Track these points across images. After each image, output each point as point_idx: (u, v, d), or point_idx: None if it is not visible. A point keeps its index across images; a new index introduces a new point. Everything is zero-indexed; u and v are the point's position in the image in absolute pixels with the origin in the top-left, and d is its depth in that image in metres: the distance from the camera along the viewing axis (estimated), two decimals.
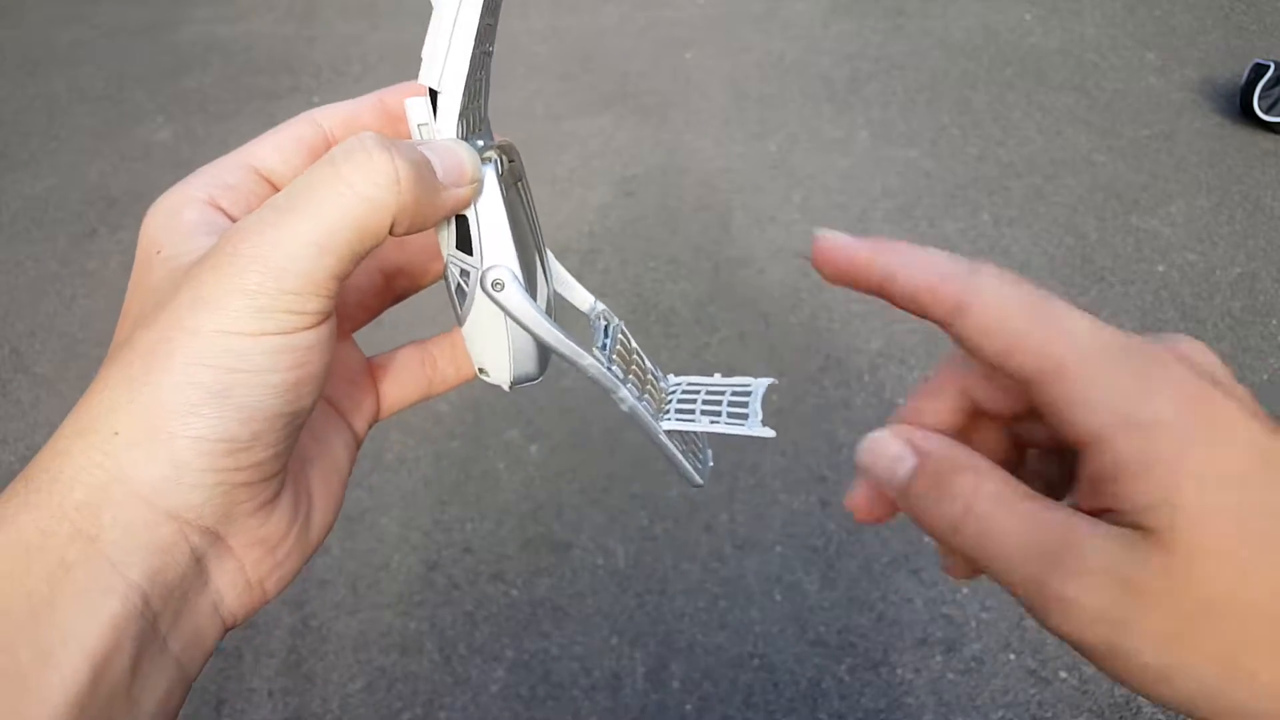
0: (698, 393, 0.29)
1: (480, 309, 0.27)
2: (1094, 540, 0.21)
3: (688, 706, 1.11)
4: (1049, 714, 1.09)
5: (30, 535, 0.20)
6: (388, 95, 0.28)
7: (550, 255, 0.30)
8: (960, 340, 0.24)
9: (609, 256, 1.77)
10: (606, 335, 0.29)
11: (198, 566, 0.22)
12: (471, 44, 0.24)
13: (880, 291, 0.25)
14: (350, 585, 1.26)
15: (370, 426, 0.30)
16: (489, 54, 0.26)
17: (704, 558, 1.26)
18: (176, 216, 0.25)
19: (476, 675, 1.15)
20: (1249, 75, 2.01)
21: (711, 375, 0.30)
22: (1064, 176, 1.94)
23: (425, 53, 0.24)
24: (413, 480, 1.39)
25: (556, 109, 2.23)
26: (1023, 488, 0.23)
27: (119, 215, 1.95)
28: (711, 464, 0.31)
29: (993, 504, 0.23)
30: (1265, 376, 1.49)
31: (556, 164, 2.04)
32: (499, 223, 0.26)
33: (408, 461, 1.41)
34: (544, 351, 0.28)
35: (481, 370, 0.29)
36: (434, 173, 0.23)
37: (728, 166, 2.01)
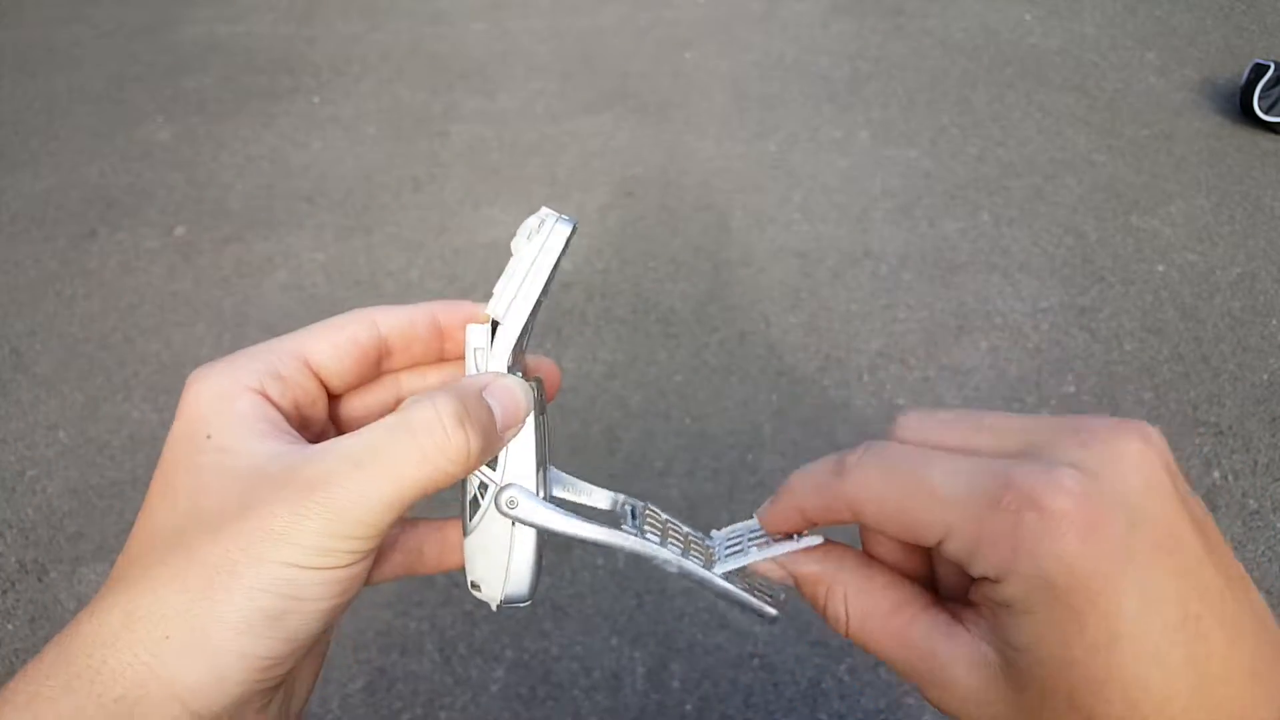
0: (742, 535, 0.30)
1: (489, 524, 0.27)
2: (953, 668, 0.24)
3: (688, 706, 1.11)
4: None
5: None
6: (441, 313, 0.29)
7: (553, 469, 0.31)
8: (872, 529, 0.26)
9: (609, 256, 1.77)
10: (634, 517, 0.30)
11: None
12: (540, 291, 0.26)
13: (812, 524, 0.27)
14: None
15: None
16: (542, 302, 0.28)
17: None
18: (228, 403, 0.26)
19: (476, 675, 1.15)
20: (1249, 75, 2.01)
21: (751, 517, 0.30)
22: (1064, 176, 1.94)
23: (497, 289, 0.26)
24: None
25: (556, 109, 2.23)
26: (888, 598, 0.26)
27: (119, 215, 1.95)
28: (784, 596, 0.30)
29: (863, 624, 0.26)
30: (1265, 377, 1.49)
31: (556, 164, 2.04)
32: (528, 446, 0.27)
33: None
34: (537, 577, 0.29)
35: (474, 585, 0.29)
36: (495, 424, 0.26)
37: (728, 166, 2.01)
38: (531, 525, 0.27)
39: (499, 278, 0.27)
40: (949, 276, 1.70)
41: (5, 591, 1.27)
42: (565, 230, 0.26)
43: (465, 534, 0.28)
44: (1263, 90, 1.97)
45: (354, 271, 1.78)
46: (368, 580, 0.31)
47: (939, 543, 0.23)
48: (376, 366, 0.29)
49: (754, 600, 0.29)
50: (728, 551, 0.29)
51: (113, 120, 2.26)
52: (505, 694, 1.13)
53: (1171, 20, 2.47)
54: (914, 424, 0.26)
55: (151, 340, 1.65)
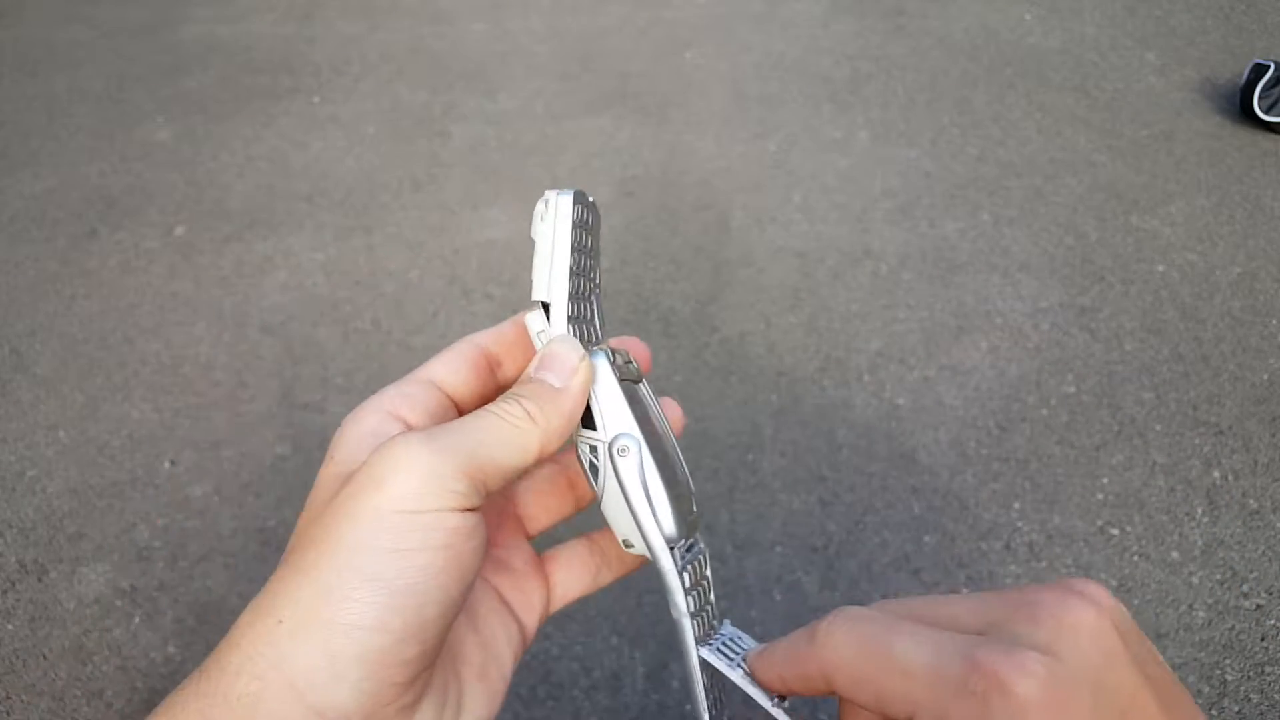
0: (742, 651, 0.30)
1: (614, 481, 0.29)
2: None
3: (688, 707, 1.11)
4: None
5: None
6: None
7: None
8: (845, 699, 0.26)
9: (609, 256, 1.77)
10: (688, 550, 0.30)
11: None
12: (567, 262, 0.28)
13: (794, 692, 0.28)
14: None
15: (541, 622, 0.32)
16: (596, 285, 0.30)
17: None
18: (355, 428, 0.28)
19: None
20: (1249, 75, 2.01)
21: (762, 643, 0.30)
22: (1064, 176, 1.94)
23: (534, 275, 0.28)
24: None
25: (556, 109, 2.23)
26: None
27: (119, 215, 1.95)
28: None
29: None
30: (1265, 377, 1.49)
31: (556, 164, 2.04)
32: (615, 396, 0.28)
33: None
34: (682, 511, 0.29)
35: (625, 543, 0.30)
36: (550, 386, 0.27)
37: (728, 166, 2.01)
38: (618, 481, 0.28)
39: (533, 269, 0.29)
40: (949, 276, 1.70)
41: (5, 591, 1.27)
42: (567, 200, 0.28)
43: (599, 502, 0.29)
44: (1263, 90, 1.97)
45: (354, 271, 1.78)
46: (554, 604, 0.33)
47: (908, 718, 0.23)
48: (492, 375, 0.31)
49: (703, 701, 0.29)
50: (722, 647, 0.30)
51: (113, 120, 2.26)
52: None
53: (1171, 20, 2.47)
54: (881, 604, 0.27)
55: (151, 340, 1.65)
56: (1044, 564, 1.24)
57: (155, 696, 1.15)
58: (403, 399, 0.29)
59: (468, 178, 2.01)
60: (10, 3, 2.84)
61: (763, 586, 1.22)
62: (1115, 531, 1.28)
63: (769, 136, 2.10)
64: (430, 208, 1.93)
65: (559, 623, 1.19)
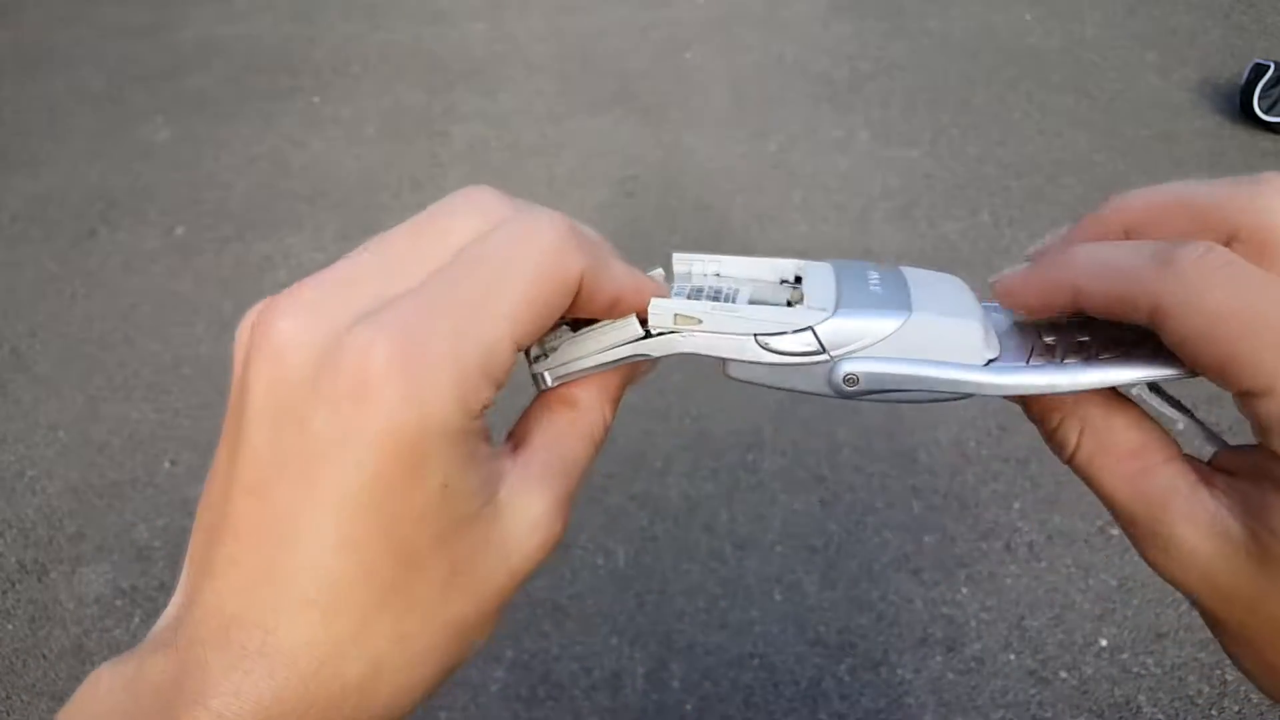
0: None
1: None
2: (1186, 530, 0.21)
3: (688, 706, 1.11)
4: (1049, 714, 1.09)
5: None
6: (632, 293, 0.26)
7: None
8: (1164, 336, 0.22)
9: None
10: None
11: None
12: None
13: (1075, 310, 0.23)
14: None
15: None
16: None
17: (704, 558, 1.26)
18: (459, 447, 0.20)
19: (476, 675, 1.15)
20: (1249, 75, 2.01)
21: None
22: (1064, 176, 1.94)
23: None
24: None
25: (556, 109, 2.23)
26: (1128, 439, 0.23)
27: (119, 215, 1.95)
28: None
29: (1091, 459, 0.23)
30: None
31: (556, 164, 2.04)
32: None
33: None
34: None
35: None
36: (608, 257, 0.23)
37: (728, 166, 2.01)
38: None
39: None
40: None
41: (5, 592, 1.27)
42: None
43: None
44: (1263, 90, 1.97)
45: None
46: None
47: (1150, 309, 0.20)
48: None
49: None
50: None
51: (113, 120, 2.26)
52: (505, 694, 1.13)
53: (1171, 20, 2.47)
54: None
55: (151, 340, 1.65)
56: (1044, 564, 1.24)
57: None
58: (491, 390, 0.20)
59: (468, 178, 2.01)
60: (10, 3, 2.84)
61: (763, 587, 1.22)
62: (1115, 531, 1.28)
63: (769, 136, 2.10)
64: None
65: (559, 622, 1.19)
